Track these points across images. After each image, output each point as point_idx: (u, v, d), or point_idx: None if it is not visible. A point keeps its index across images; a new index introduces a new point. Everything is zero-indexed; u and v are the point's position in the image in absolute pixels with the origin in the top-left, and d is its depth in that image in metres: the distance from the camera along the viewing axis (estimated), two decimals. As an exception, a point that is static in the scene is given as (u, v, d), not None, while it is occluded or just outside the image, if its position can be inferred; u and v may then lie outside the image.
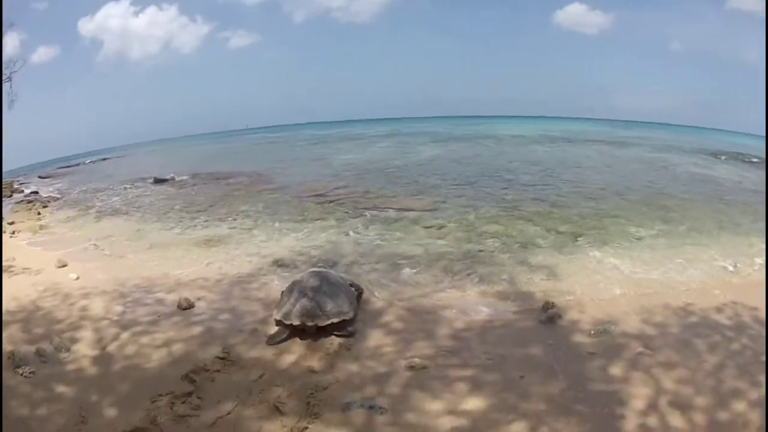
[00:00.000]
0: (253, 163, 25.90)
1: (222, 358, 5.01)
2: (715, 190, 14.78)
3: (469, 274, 7.55)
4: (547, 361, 4.94)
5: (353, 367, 4.84)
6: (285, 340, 5.46)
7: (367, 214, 12.08)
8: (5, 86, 19.66)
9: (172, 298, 6.73)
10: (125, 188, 20.10)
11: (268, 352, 5.17)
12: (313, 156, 28.37)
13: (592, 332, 5.37)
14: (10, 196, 22.84)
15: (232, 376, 4.69)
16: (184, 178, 21.23)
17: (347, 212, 12.39)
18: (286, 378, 4.63)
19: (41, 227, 13.33)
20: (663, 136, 42.02)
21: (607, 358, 4.90)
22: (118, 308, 6.47)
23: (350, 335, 5.52)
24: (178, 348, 5.33)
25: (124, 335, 5.65)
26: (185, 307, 6.34)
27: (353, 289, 6.32)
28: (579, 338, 5.30)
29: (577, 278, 7.26)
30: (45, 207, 17.77)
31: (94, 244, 10.58)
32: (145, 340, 5.52)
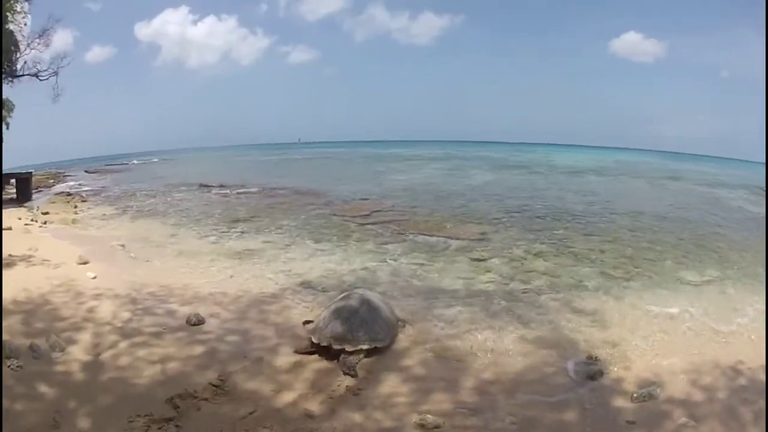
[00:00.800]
0: (302, 177, 26.16)
1: (215, 386, 4.69)
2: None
3: (509, 315, 6.99)
4: (581, 430, 4.45)
5: (356, 417, 4.30)
6: (310, 353, 5.46)
7: (410, 239, 11.60)
8: (51, 80, 21.24)
9: (184, 311, 6.51)
10: (169, 191, 20.62)
11: (266, 386, 4.71)
12: (365, 174, 28.49)
13: (635, 395, 4.80)
14: (52, 186, 24.36)
15: (220, 408, 4.34)
16: (231, 186, 21.52)
17: (390, 236, 11.93)
18: (278, 419, 4.17)
19: (74, 221, 13.89)
20: (711, 170, 41.08)
21: (648, 429, 4.33)
22: (126, 314, 6.34)
23: (350, 373, 5.24)
24: (173, 367, 5.06)
25: (123, 344, 5.48)
26: (194, 322, 6.15)
27: (396, 317, 6.21)
28: (620, 402, 4.75)
29: (624, 327, 6.68)
30: (84, 201, 18.83)
31: (123, 245, 10.72)
32: (142, 352, 5.32)
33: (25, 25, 20.22)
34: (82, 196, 19.87)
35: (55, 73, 21.50)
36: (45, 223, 13.23)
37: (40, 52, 21.25)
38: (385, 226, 13.16)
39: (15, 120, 21.14)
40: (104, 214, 15.39)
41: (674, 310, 7.31)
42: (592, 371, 5.25)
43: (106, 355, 5.18)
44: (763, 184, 23.33)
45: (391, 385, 4.94)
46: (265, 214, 15.14)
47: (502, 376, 5.22)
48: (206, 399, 4.44)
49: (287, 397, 4.61)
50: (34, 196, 19.58)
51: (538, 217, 14.72)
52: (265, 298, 7.43)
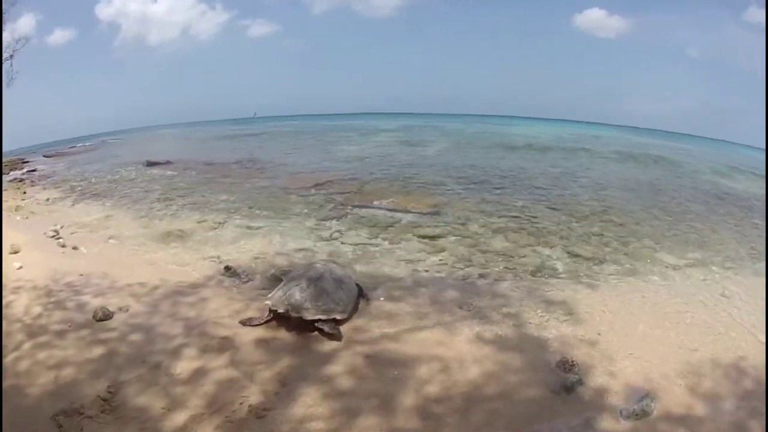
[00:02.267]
0: (251, 151, 24.88)
1: (104, 400, 4.03)
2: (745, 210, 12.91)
3: (463, 308, 5.88)
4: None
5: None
6: (264, 323, 5.23)
7: (354, 214, 10.69)
8: (5, 65, 19.82)
9: (96, 303, 5.84)
10: (117, 170, 19.69)
11: (158, 402, 4.01)
12: (316, 146, 27.13)
13: (624, 412, 3.91)
14: (8, 173, 23.13)
15: (102, 429, 3.69)
16: (178, 162, 20.58)
17: (333, 211, 11.03)
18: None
19: (17, 208, 12.89)
20: (678, 145, 39.44)
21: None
22: (38, 309, 5.75)
23: (334, 336, 5.03)
24: (67, 374, 4.41)
25: (27, 345, 4.89)
26: (100, 318, 5.49)
27: (358, 288, 5.96)
28: (606, 423, 3.84)
29: (603, 320, 5.70)
30: (33, 186, 17.66)
31: (56, 231, 9.78)
32: (42, 355, 4.71)
33: None
34: (32, 181, 18.76)
35: (10, 57, 20.03)
36: None
37: None
38: (329, 198, 12.27)
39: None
40: (48, 199, 14.44)
41: (659, 298, 6.49)
42: (568, 381, 4.30)
43: (8, 360, 4.63)
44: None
45: (308, 402, 4.08)
46: (206, 189, 14.26)
47: (452, 390, 4.28)
48: (91, 417, 3.85)
49: (178, 418, 3.87)
50: None
51: (496, 189, 13.76)
52: (183, 288, 6.62)
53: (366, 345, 4.97)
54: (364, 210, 10.99)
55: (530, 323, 5.56)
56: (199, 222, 10.42)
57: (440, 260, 7.90)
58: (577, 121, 75.24)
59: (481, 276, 7.18)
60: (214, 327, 5.28)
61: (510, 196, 12.84)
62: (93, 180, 17.88)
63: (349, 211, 10.93)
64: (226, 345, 4.91)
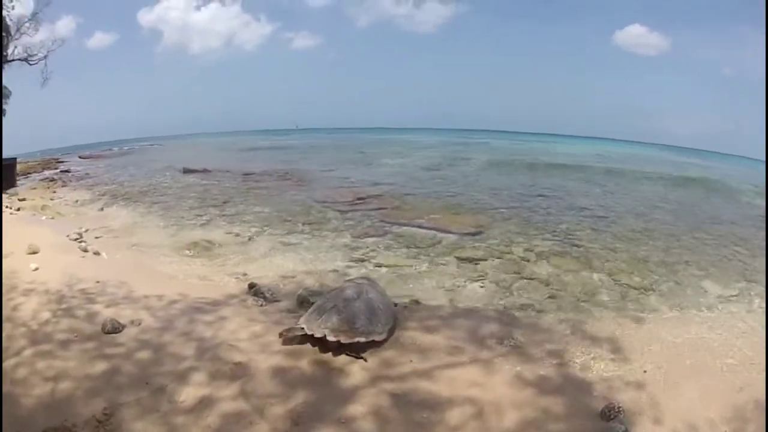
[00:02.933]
0: (291, 162, 24.93)
1: (99, 422, 3.74)
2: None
3: (503, 343, 5.36)
4: None
5: None
6: (299, 342, 5.03)
7: (393, 232, 10.22)
8: (40, 64, 21.14)
9: (107, 314, 5.57)
10: (152, 175, 19.97)
11: (155, 430, 3.65)
12: (357, 160, 26.92)
13: None
14: (41, 171, 24.10)
15: None
16: (216, 170, 20.80)
17: (371, 228, 10.61)
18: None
19: (43, 207, 13.05)
20: (715, 164, 38.39)
21: None
22: (46, 315, 5.56)
23: (360, 357, 4.84)
24: (64, 388, 4.16)
25: (28, 352, 4.70)
26: (108, 330, 5.21)
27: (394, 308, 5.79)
28: None
29: (649, 358, 5.15)
30: (64, 186, 18.26)
31: (80, 234, 9.78)
32: (41, 365, 4.48)
33: (13, 8, 19.92)
34: (63, 181, 19.37)
35: (45, 57, 21.38)
36: (18, 209, 12.60)
37: (30, 36, 21.01)
38: (368, 215, 11.84)
39: (13, 107, 20.55)
40: (77, 200, 14.71)
41: (704, 332, 5.94)
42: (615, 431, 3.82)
43: (7, 365, 4.46)
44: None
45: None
46: (241, 199, 14.14)
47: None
48: (81, 439, 3.45)
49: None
50: (21, 182, 19.09)
51: (540, 208, 13.26)
52: (202, 304, 6.18)
53: (393, 382, 4.46)
54: (402, 228, 10.53)
55: (574, 362, 4.99)
56: (228, 234, 10.14)
57: (480, 287, 7.50)
58: (613, 139, 74.74)
59: (523, 307, 6.73)
60: (229, 351, 4.82)
61: (554, 216, 12.36)
62: (126, 184, 18.12)
63: (387, 228, 10.47)
64: (238, 372, 4.48)
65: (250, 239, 9.78)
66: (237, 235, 10.09)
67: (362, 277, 6.64)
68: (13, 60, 20.67)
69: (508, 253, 9.11)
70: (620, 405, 4.06)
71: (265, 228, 10.60)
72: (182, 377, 4.36)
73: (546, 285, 7.66)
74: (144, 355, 4.77)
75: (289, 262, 8.35)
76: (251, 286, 6.78)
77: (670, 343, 5.59)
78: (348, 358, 4.80)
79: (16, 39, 20.47)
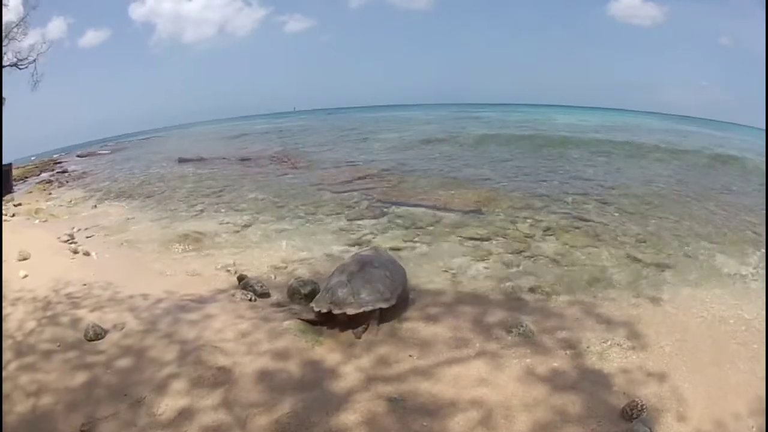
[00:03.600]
0: (288, 144, 24.36)
1: None
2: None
3: (512, 332, 4.89)
4: None
5: None
6: (313, 323, 5.02)
7: (391, 212, 9.75)
8: (30, 67, 20.39)
9: (91, 318, 5.31)
10: (148, 168, 19.71)
11: None
12: (354, 139, 25.99)
13: None
14: (39, 174, 23.67)
15: None
16: (212, 158, 20.40)
17: (368, 208, 10.13)
18: None
19: (37, 211, 12.69)
20: (716, 132, 36.46)
21: None
22: (32, 324, 5.33)
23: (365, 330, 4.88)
24: (45, 403, 3.94)
25: (12, 366, 4.48)
26: (90, 337, 4.94)
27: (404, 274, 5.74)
28: None
29: (670, 344, 4.70)
30: (60, 187, 17.84)
31: (71, 235, 9.50)
32: (24, 379, 4.27)
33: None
34: (60, 182, 18.99)
35: (34, 61, 20.63)
36: (13, 215, 12.20)
37: (19, 41, 20.34)
38: (365, 195, 11.35)
39: (8, 112, 20.26)
40: (71, 200, 14.31)
41: (724, 312, 5.52)
42: (636, 432, 3.36)
43: None
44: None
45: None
46: (235, 187, 13.70)
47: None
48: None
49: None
50: (19, 187, 18.63)
51: (543, 181, 12.68)
52: (188, 302, 5.87)
53: (391, 383, 4.02)
54: (401, 208, 10.05)
55: (590, 352, 4.54)
56: (221, 224, 9.76)
57: (485, 268, 7.01)
58: (613, 109, 73.45)
59: (532, 290, 6.23)
60: (213, 353, 4.46)
61: (558, 189, 11.76)
62: (121, 179, 17.79)
63: (384, 209, 9.99)
64: (221, 378, 4.09)
65: (242, 228, 9.38)
66: (229, 224, 9.70)
67: (371, 248, 6.66)
68: (4, 66, 20.15)
69: (513, 229, 8.65)
70: (642, 402, 3.66)
71: (259, 215, 10.20)
72: (162, 386, 4.07)
73: (554, 264, 7.18)
74: (124, 362, 4.50)
75: (281, 251, 7.96)
76: (240, 278, 6.46)
77: (689, 325, 5.20)
78: (339, 357, 4.45)
79: (5, 45, 19.95)
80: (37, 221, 11.24)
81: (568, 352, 4.54)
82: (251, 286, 6.07)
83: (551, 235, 8.38)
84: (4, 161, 16.43)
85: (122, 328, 5.15)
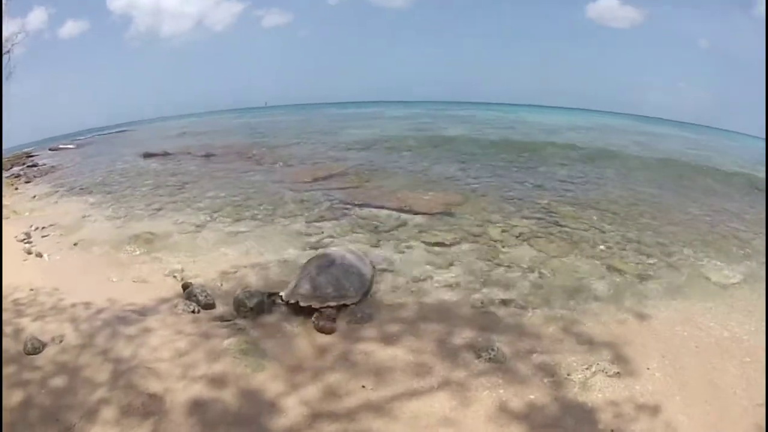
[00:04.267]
0: (257, 139, 23.58)
1: None
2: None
3: (482, 356, 4.38)
4: None
5: None
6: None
7: (353, 214, 9.28)
8: (3, 58, 19.69)
9: (32, 329, 4.98)
10: (113, 162, 19.16)
11: None
12: (323, 135, 24.97)
13: None
14: (10, 168, 23.07)
15: None
16: (174, 154, 19.77)
17: (329, 209, 9.66)
18: None
19: None
20: (694, 136, 36.38)
21: None
22: None
23: (328, 330, 4.87)
24: None
25: None
26: (29, 351, 4.60)
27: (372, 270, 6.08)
28: None
29: (659, 368, 4.30)
30: (28, 182, 17.28)
31: (28, 234, 9.11)
32: None
33: None
34: (27, 177, 18.39)
35: (8, 51, 19.65)
36: None
37: None
38: (327, 194, 10.88)
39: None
40: (35, 196, 13.84)
41: (713, 329, 5.11)
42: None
43: None
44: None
45: None
46: (196, 184, 13.13)
47: None
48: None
49: None
50: None
51: (516, 183, 12.11)
52: (129, 312, 5.46)
53: (339, 421, 3.54)
54: (365, 209, 9.57)
55: (571, 380, 4.08)
56: (175, 223, 9.27)
57: (452, 277, 6.45)
58: (588, 110, 72.59)
59: (505, 303, 5.70)
60: (146, 376, 4.09)
61: (532, 191, 11.24)
62: (86, 173, 17.23)
63: (346, 210, 9.53)
64: (151, 407, 3.68)
65: (196, 229, 8.89)
66: (184, 224, 9.22)
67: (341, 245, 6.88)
68: None
69: (484, 234, 8.13)
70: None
71: (215, 215, 9.70)
72: (92, 412, 3.75)
73: (529, 272, 6.65)
74: (59, 382, 4.15)
75: (234, 255, 7.48)
76: (185, 287, 6.09)
77: (679, 345, 4.79)
78: (282, 386, 4.01)
79: None
80: (-4, 220, 10.81)
81: (546, 380, 4.10)
82: (195, 296, 5.66)
83: (525, 240, 7.88)
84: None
85: (60, 341, 4.80)
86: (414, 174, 13.18)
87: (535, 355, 4.46)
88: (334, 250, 6.13)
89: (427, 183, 12.03)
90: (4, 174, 20.20)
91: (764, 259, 7.27)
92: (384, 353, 4.44)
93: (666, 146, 24.00)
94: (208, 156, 18.64)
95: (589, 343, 4.71)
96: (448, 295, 5.96)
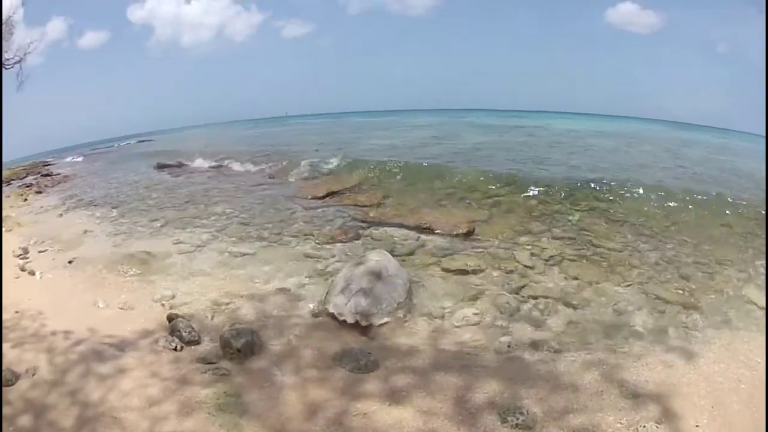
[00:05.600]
0: (274, 150, 22.96)
1: None
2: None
3: (507, 420, 3.63)
4: None
5: None
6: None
7: (368, 234, 8.64)
8: (16, 67, 19.87)
9: (10, 357, 4.76)
10: (126, 173, 19.34)
11: None
12: (343, 145, 24.52)
13: None
14: (24, 177, 23.46)
15: None
16: (191, 163, 19.79)
17: (340, 229, 8.98)
18: None
19: (4, 219, 12.01)
20: (716, 140, 34.28)
21: None
22: None
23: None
24: None
25: None
26: (4, 383, 4.31)
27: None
28: None
29: (712, 426, 3.60)
30: (39, 192, 17.41)
31: (26, 249, 8.95)
32: None
33: None
34: (39, 187, 18.62)
35: (20, 61, 20.14)
36: None
37: (5, 40, 19.68)
38: (341, 211, 10.28)
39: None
40: (41, 207, 13.93)
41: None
42: None
43: None
44: None
45: None
46: (205, 198, 12.76)
47: None
48: None
49: None
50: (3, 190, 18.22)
51: (544, 195, 11.03)
52: (107, 346, 5.02)
53: None
54: (380, 229, 8.94)
55: None
56: (176, 243, 8.84)
57: (474, 314, 5.75)
58: (610, 116, 71.65)
59: (535, 345, 5.01)
60: (110, 427, 3.64)
61: (562, 205, 10.30)
62: (97, 185, 17.24)
63: (360, 230, 8.89)
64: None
65: (196, 249, 8.44)
66: (184, 244, 8.77)
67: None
68: None
69: (510, 259, 7.40)
70: None
71: (218, 234, 9.23)
72: None
73: (562, 306, 5.99)
74: (25, 422, 3.83)
75: (231, 281, 6.94)
76: (170, 318, 5.54)
77: (728, 389, 4.09)
78: None
79: None
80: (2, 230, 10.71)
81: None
82: (179, 331, 5.14)
83: (555, 265, 7.17)
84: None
85: (33, 374, 4.52)
86: (435, 187, 12.24)
87: (571, 415, 3.75)
88: (373, 255, 6.22)
89: (448, 196, 11.24)
90: (16, 184, 20.56)
91: None
92: (387, 416, 3.74)
93: (693, 153, 22.85)
94: (219, 166, 18.52)
95: (633, 396, 3.99)
96: (470, 336, 5.28)
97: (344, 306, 5.29)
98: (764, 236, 7.95)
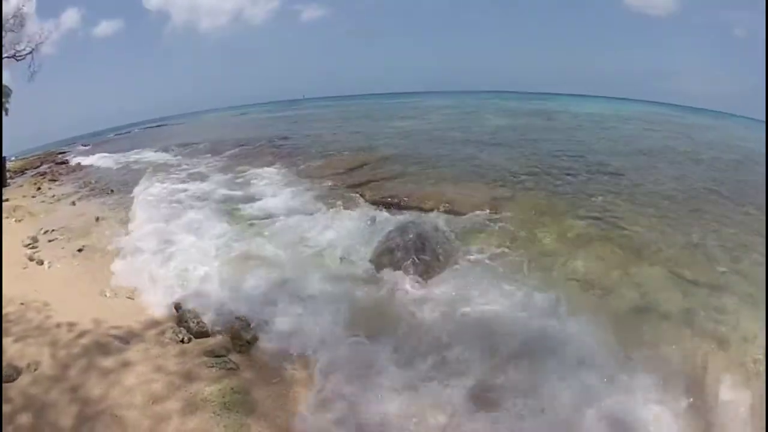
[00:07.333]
0: (291, 132, 22.95)
1: None
2: None
3: (522, 417, 3.49)
4: None
5: None
6: None
7: (384, 214, 8.23)
8: (27, 58, 20.68)
9: (12, 351, 4.66)
10: (140, 158, 19.51)
11: None
12: (363, 124, 24.43)
13: None
14: (39, 165, 23.57)
15: None
16: (208, 149, 19.49)
17: (359, 207, 8.72)
18: None
19: (16, 208, 12.04)
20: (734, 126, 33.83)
21: None
22: None
23: None
24: None
25: None
26: (5, 378, 4.24)
27: None
28: None
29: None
30: (53, 181, 17.46)
31: (36, 238, 8.90)
32: None
33: None
34: (53, 175, 18.73)
35: (31, 52, 20.90)
36: None
37: (16, 32, 20.57)
38: (355, 191, 9.90)
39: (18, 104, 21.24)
40: (54, 195, 13.89)
41: None
42: None
43: None
44: None
45: None
46: (219, 178, 12.71)
47: None
48: None
49: None
50: (15, 180, 18.55)
51: (568, 176, 10.82)
52: (112, 338, 4.92)
53: None
54: (399, 215, 8.30)
55: None
56: (189, 224, 8.59)
57: (498, 296, 5.39)
58: (626, 99, 69.62)
59: (556, 333, 4.69)
60: (110, 427, 3.55)
61: (584, 185, 10.07)
62: (111, 171, 17.32)
63: (377, 208, 8.52)
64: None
65: (209, 229, 8.28)
66: (196, 226, 8.52)
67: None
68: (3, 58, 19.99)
69: (534, 242, 7.05)
70: None
71: (228, 221, 8.86)
72: None
73: (587, 287, 5.72)
74: (24, 420, 3.76)
75: (246, 262, 6.68)
76: (177, 308, 5.30)
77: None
78: None
79: (4, 37, 19.93)
80: (13, 220, 10.73)
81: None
82: (186, 322, 5.00)
83: (581, 248, 6.80)
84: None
85: (35, 369, 4.43)
86: (454, 165, 12.08)
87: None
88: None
89: (471, 174, 10.95)
90: (30, 173, 20.85)
91: None
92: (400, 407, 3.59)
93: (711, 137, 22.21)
94: (235, 146, 18.52)
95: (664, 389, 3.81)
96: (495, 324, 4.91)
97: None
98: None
